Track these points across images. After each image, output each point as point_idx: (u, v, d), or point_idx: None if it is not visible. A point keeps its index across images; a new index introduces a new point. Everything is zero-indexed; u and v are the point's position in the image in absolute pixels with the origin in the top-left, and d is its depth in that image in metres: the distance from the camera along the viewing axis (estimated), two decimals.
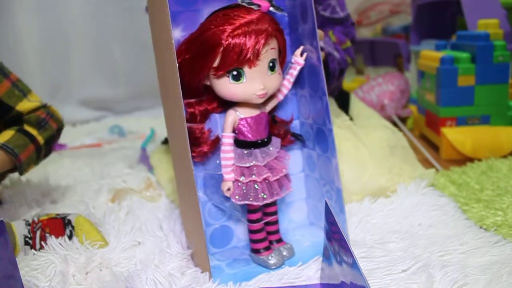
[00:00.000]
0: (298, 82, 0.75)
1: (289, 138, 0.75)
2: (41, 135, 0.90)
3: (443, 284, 0.58)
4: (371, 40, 2.14)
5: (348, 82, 1.92)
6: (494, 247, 0.69)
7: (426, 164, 1.10)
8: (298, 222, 0.79)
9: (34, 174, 1.22)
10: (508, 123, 1.20)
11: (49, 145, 0.93)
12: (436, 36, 1.71)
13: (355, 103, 1.13)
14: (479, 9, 1.36)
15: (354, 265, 0.47)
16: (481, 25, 1.23)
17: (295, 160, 0.79)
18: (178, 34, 0.68)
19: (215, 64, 0.63)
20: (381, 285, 0.60)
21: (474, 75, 1.17)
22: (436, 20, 1.76)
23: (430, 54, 1.30)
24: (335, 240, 0.54)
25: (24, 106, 0.91)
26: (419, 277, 0.60)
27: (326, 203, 0.57)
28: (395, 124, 1.39)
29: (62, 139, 1.59)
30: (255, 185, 0.68)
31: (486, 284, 0.58)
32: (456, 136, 1.15)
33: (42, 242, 0.77)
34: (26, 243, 0.77)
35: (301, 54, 0.70)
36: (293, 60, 0.70)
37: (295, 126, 0.78)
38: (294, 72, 0.71)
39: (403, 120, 1.49)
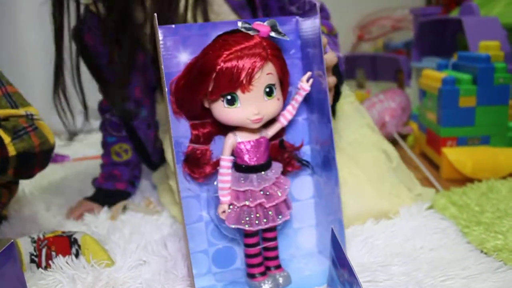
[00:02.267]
0: (309, 106, 0.76)
1: (295, 164, 0.75)
2: (15, 145, 0.76)
3: None
4: (373, 55, 2.16)
5: None
6: (496, 273, 0.70)
7: (426, 183, 1.12)
8: (306, 249, 0.79)
9: (38, 187, 1.23)
10: (508, 144, 1.22)
11: (25, 163, 0.78)
12: (437, 53, 1.74)
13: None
14: (480, 30, 1.38)
15: None
16: (482, 47, 1.25)
17: (305, 186, 0.79)
18: (185, 57, 0.69)
19: (210, 88, 0.64)
20: None
21: (475, 96, 1.19)
22: (438, 38, 1.78)
23: (432, 74, 1.32)
24: (341, 267, 0.55)
25: (4, 112, 0.79)
26: None
27: (332, 231, 0.58)
28: (395, 141, 1.41)
29: (65, 151, 1.61)
30: (250, 210, 0.68)
31: None
32: (456, 156, 1.17)
33: (50, 261, 0.77)
34: (32, 261, 0.78)
35: (307, 80, 0.70)
36: (299, 86, 0.70)
37: (306, 151, 0.77)
38: (299, 97, 0.71)
39: (404, 137, 1.51)
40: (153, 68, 1.05)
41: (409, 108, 1.57)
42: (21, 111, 0.81)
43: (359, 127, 1.05)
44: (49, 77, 2.02)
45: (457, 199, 0.99)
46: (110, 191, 1.10)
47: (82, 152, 1.63)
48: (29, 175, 0.83)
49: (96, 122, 2.06)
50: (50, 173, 1.37)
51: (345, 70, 0.92)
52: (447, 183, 1.13)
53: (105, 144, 1.15)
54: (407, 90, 1.80)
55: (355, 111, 1.08)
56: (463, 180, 1.12)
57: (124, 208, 1.04)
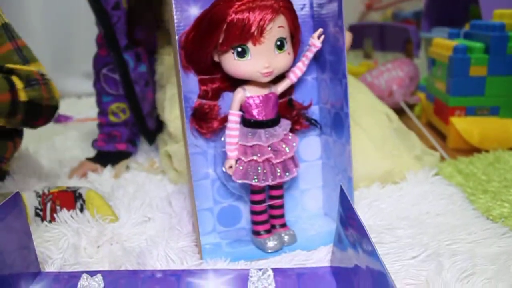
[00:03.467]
0: (319, 66, 0.74)
1: (303, 122, 0.74)
2: (26, 92, 0.78)
3: (452, 272, 0.59)
4: (381, 25, 2.12)
5: (356, 66, 1.91)
6: (502, 239, 0.70)
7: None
8: (312, 211, 0.79)
9: (42, 145, 1.22)
10: None
11: (32, 112, 0.80)
12: (447, 24, 1.70)
13: None
14: None
15: (372, 251, 0.47)
16: (497, 15, 1.22)
17: (312, 147, 0.78)
18: (195, 11, 0.67)
19: (220, 40, 0.63)
20: (392, 271, 0.60)
21: (487, 65, 1.16)
22: (449, 8, 1.74)
23: (442, 42, 1.29)
24: (351, 226, 0.55)
25: (15, 67, 0.81)
26: (429, 265, 0.61)
27: (341, 188, 0.57)
28: (402, 110, 1.39)
29: (68, 111, 1.60)
30: (257, 166, 0.68)
31: (494, 274, 0.59)
32: (464, 126, 1.15)
33: (54, 214, 0.77)
34: (37, 214, 0.78)
35: (319, 37, 0.69)
36: (310, 42, 0.69)
37: (314, 111, 0.76)
38: (309, 54, 0.69)
39: (411, 107, 1.49)
40: (156, 29, 1.04)
41: (417, 78, 1.55)
42: (32, 68, 0.83)
43: (358, 94, 1.05)
44: (49, 34, 2.00)
45: (463, 167, 0.98)
46: (111, 153, 1.09)
47: (85, 113, 1.62)
48: (34, 125, 0.84)
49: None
50: (54, 133, 1.36)
51: (352, 40, 0.91)
52: (454, 152, 1.12)
53: (101, 104, 1.11)
54: (415, 61, 1.76)
55: (352, 80, 1.09)
56: (470, 150, 1.11)
57: (127, 167, 1.04)
